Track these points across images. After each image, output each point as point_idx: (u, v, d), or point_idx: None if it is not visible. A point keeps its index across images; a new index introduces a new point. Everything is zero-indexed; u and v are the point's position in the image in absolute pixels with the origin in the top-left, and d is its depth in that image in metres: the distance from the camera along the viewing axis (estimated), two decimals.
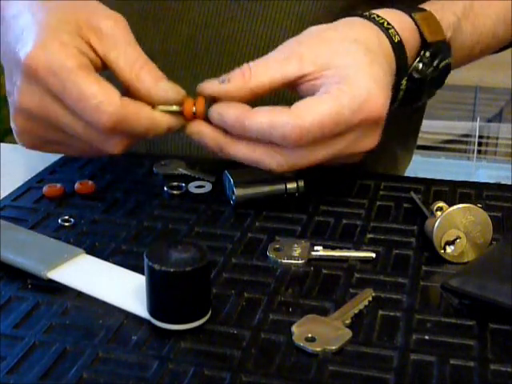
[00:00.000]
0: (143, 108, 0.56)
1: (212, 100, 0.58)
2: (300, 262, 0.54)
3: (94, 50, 0.56)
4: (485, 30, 0.69)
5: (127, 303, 0.49)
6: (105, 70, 0.57)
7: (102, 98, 0.54)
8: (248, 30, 0.72)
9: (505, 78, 1.76)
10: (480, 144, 2.13)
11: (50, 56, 0.54)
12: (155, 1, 0.74)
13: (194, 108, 0.58)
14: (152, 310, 0.47)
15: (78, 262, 0.53)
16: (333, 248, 0.56)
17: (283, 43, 0.60)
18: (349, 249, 0.56)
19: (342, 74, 0.56)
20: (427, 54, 0.62)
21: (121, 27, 0.57)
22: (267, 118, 0.55)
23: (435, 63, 0.63)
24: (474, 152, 2.07)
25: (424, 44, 0.63)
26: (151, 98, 0.56)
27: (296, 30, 0.72)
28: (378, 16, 0.61)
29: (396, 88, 0.61)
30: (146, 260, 0.46)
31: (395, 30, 0.61)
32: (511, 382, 0.43)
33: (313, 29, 0.61)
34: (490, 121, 2.18)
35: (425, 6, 0.65)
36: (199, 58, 0.74)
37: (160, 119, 0.56)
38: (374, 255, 0.55)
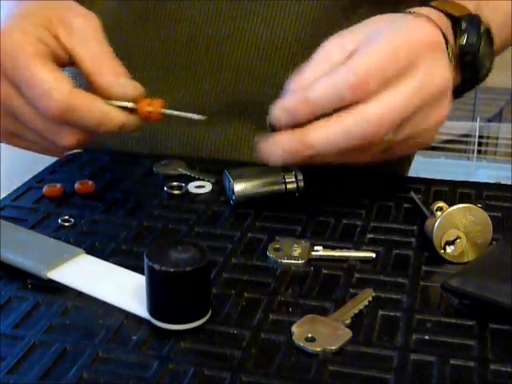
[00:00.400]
0: (95, 100, 0.56)
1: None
2: (300, 261, 0.54)
3: (62, 44, 0.58)
4: (506, 10, 0.68)
5: (127, 303, 0.49)
6: (72, 65, 0.58)
7: (53, 86, 0.55)
8: (248, 29, 0.73)
9: (505, 78, 1.76)
10: (480, 144, 2.13)
11: (9, 42, 0.56)
12: (155, 1, 0.74)
13: (150, 108, 0.57)
14: (152, 309, 0.47)
15: (77, 262, 0.53)
16: (333, 248, 0.56)
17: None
18: (349, 249, 0.56)
19: (386, 31, 0.56)
20: (463, 25, 0.61)
21: (91, 24, 0.59)
22: (327, 82, 0.55)
23: (475, 30, 0.62)
24: (474, 152, 2.07)
25: (454, 22, 0.62)
26: (109, 93, 0.57)
27: (296, 28, 0.72)
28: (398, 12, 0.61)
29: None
30: (145, 260, 0.46)
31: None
32: (511, 382, 0.43)
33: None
34: (490, 121, 2.18)
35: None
36: (199, 57, 0.74)
37: (113, 114, 0.56)
38: (373, 255, 0.55)
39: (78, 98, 0.55)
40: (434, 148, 2.10)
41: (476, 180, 0.72)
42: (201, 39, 0.74)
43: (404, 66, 0.55)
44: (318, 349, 0.45)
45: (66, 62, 0.58)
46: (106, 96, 0.57)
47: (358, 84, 0.54)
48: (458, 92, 0.64)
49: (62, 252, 0.54)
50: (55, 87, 0.55)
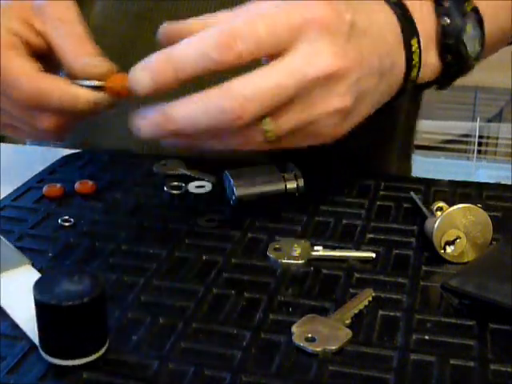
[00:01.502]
0: (61, 82, 0.56)
1: None
2: (300, 262, 0.54)
3: (37, 32, 0.59)
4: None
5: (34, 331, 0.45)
6: (51, 51, 0.59)
7: (18, 72, 0.56)
8: None
9: (505, 78, 1.76)
10: (480, 144, 2.13)
11: None
12: (151, 1, 0.74)
13: (114, 84, 0.56)
14: (42, 344, 0.44)
15: (17, 272, 0.52)
16: (333, 248, 0.56)
17: None
18: (349, 249, 0.56)
19: (273, 3, 0.52)
20: (445, 4, 0.58)
21: (63, 7, 0.59)
22: (194, 39, 0.50)
23: (460, 9, 0.58)
24: (474, 152, 2.07)
25: (437, 2, 0.59)
26: (75, 73, 0.57)
27: None
28: None
29: (407, 49, 0.56)
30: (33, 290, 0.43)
31: None
32: (511, 382, 0.43)
33: None
34: (490, 121, 2.19)
35: None
36: None
37: (79, 94, 0.56)
38: (374, 255, 0.55)
39: (42, 81, 0.56)
40: (433, 148, 2.11)
41: (476, 180, 0.72)
42: None
43: (282, 42, 0.50)
44: (318, 349, 0.45)
45: (46, 49, 0.59)
46: (74, 77, 0.57)
47: (225, 42, 0.49)
48: (445, 79, 0.61)
49: (7, 259, 0.53)
50: (21, 73, 0.56)
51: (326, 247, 0.55)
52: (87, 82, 0.56)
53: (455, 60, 0.59)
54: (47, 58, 0.60)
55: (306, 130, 0.53)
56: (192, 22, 0.55)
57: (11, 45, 0.58)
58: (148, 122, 0.52)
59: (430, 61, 0.59)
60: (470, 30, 0.59)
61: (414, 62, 0.57)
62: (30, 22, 0.60)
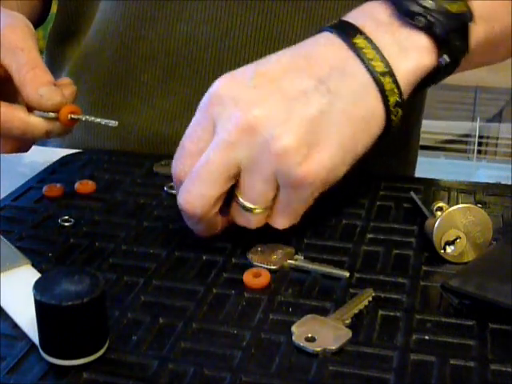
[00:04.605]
0: (17, 112, 0.58)
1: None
2: (272, 267, 0.53)
3: None
4: None
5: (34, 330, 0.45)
6: (8, 78, 0.59)
7: None
8: (247, 23, 0.73)
9: (505, 78, 1.76)
10: (480, 144, 2.14)
11: None
12: (152, 1, 0.74)
13: (70, 116, 0.59)
14: (41, 343, 0.44)
15: (17, 272, 0.52)
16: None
17: None
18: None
19: None
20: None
21: (17, 33, 0.59)
22: None
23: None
24: (474, 152, 2.07)
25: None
26: (30, 104, 0.58)
27: (293, 20, 0.72)
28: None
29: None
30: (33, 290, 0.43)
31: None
32: (511, 382, 0.43)
33: None
34: (490, 121, 2.19)
35: None
36: (200, 55, 0.75)
37: (35, 123, 0.58)
38: (347, 274, 0.52)
39: (1, 112, 0.57)
40: (434, 148, 2.11)
41: (476, 180, 0.72)
42: (200, 36, 0.74)
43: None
44: (318, 349, 0.44)
45: (3, 77, 0.59)
46: (28, 105, 0.58)
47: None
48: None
49: (7, 260, 0.53)
50: None
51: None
52: (43, 113, 0.58)
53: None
54: (4, 85, 0.60)
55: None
56: None
57: None
58: None
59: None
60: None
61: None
62: None
